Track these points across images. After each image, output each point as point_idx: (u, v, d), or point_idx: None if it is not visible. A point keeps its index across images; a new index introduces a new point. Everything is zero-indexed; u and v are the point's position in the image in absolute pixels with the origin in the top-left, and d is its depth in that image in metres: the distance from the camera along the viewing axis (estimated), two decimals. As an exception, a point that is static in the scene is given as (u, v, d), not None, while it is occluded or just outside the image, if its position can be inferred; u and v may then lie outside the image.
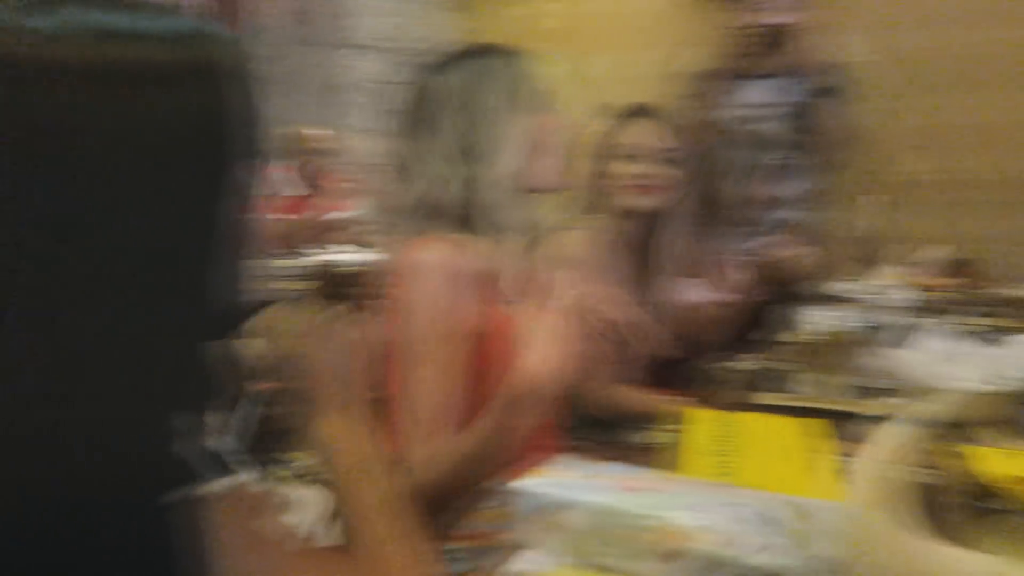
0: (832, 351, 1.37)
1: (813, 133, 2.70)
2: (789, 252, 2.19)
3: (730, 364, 2.10)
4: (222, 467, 0.49)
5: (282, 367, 0.73)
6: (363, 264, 2.39)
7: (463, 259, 1.12)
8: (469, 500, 1.10)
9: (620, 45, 3.60)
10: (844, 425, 1.11)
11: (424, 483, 1.05)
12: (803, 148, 2.29)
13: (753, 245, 2.26)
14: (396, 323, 1.14)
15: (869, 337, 1.53)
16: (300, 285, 2.38)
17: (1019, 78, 2.96)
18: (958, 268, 2.56)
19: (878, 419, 0.74)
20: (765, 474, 0.92)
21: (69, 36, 0.42)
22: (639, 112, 1.76)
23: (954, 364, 1.30)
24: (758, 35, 2.76)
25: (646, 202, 1.71)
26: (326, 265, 2.44)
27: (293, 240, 2.84)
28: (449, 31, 3.93)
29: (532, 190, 1.20)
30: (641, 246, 1.75)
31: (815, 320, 1.41)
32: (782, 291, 2.23)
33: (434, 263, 1.11)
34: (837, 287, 2.32)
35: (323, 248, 2.90)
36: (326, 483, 0.72)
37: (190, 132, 0.45)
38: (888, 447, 0.56)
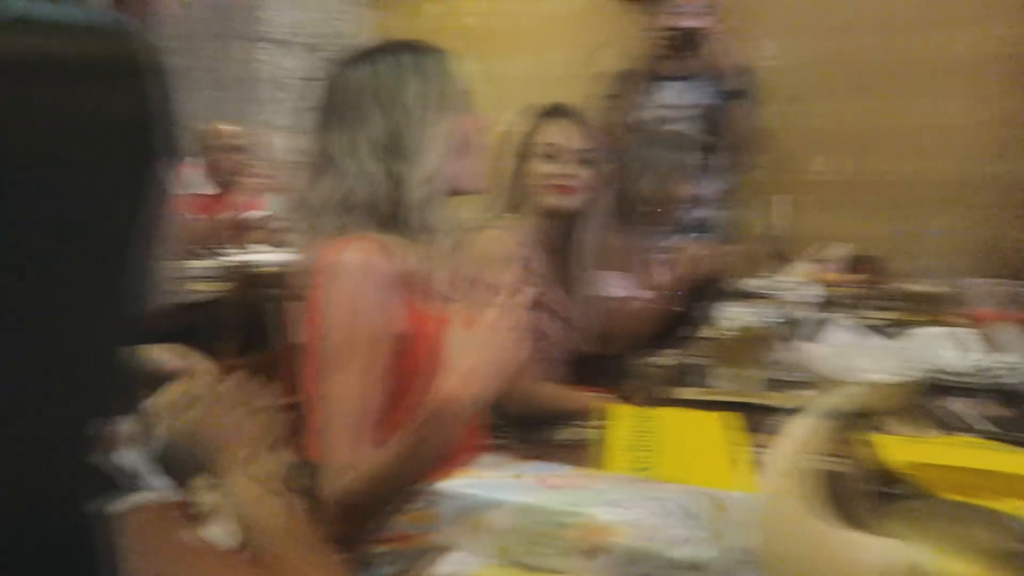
0: (746, 346, 1.42)
1: (724, 134, 2.79)
2: (705, 250, 2.25)
3: (650, 360, 2.14)
4: (135, 479, 0.48)
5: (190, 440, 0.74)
6: (281, 264, 2.33)
7: (385, 260, 1.10)
8: (394, 506, 1.09)
9: (539, 45, 3.62)
10: (758, 417, 1.14)
11: (345, 493, 1.03)
12: (715, 149, 2.36)
13: (671, 243, 2.32)
14: (315, 325, 1.11)
15: (781, 332, 1.59)
16: (215, 287, 2.31)
17: (917, 84, 3.12)
18: (860, 265, 2.68)
19: (790, 411, 0.77)
20: (685, 468, 0.94)
21: None
22: (557, 112, 1.77)
23: (860, 357, 1.36)
24: (673, 38, 2.83)
25: (565, 202, 1.72)
26: (243, 266, 2.38)
27: (208, 240, 2.75)
28: (367, 27, 3.89)
29: (456, 191, 1.19)
30: (562, 245, 1.76)
31: (730, 316, 1.46)
32: (699, 288, 2.29)
33: (355, 264, 1.08)
34: (751, 284, 2.40)
35: (239, 248, 2.82)
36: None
37: (115, 128, 0.43)
38: (799, 438, 0.59)
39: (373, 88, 1.14)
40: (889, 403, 1.24)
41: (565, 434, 1.60)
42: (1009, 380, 1.30)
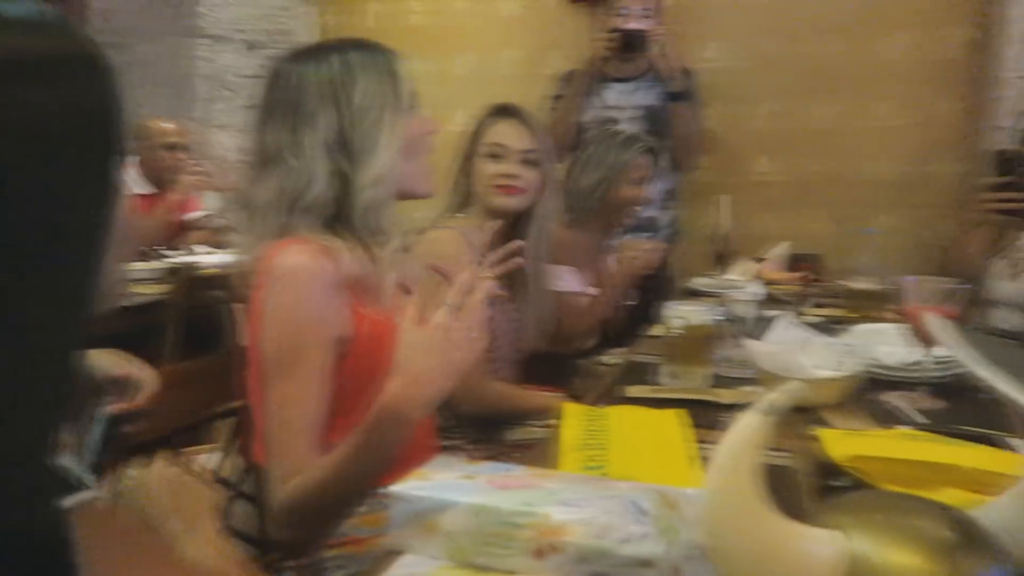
0: (693, 344, 1.44)
1: (668, 135, 2.84)
2: (652, 249, 2.28)
3: (598, 359, 2.16)
4: (81, 480, 0.47)
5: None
6: (224, 266, 2.28)
7: (329, 262, 1.07)
8: (345, 510, 1.07)
9: (485, 45, 3.62)
10: (706, 414, 1.16)
11: (293, 498, 1.01)
12: (660, 149, 2.39)
13: (619, 242, 2.34)
14: (257, 329, 1.08)
15: (727, 330, 1.62)
16: (156, 289, 2.25)
17: (856, 87, 3.21)
18: (801, 263, 2.75)
19: (736, 407, 0.78)
20: (635, 465, 0.95)
21: None
22: (503, 112, 1.77)
23: (802, 353, 1.39)
24: (618, 40, 2.87)
25: (512, 202, 1.72)
26: (185, 267, 2.32)
27: (147, 241, 2.67)
28: (311, 25, 3.83)
29: (404, 194, 1.17)
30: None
31: (677, 314, 1.48)
32: (646, 287, 2.33)
33: (298, 266, 1.05)
34: (697, 282, 2.44)
35: (180, 249, 2.75)
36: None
37: (79, 124, 0.42)
38: (744, 433, 0.60)
39: (321, 86, 1.11)
40: (830, 398, 1.28)
41: (517, 434, 1.60)
42: (940, 374, 1.34)
